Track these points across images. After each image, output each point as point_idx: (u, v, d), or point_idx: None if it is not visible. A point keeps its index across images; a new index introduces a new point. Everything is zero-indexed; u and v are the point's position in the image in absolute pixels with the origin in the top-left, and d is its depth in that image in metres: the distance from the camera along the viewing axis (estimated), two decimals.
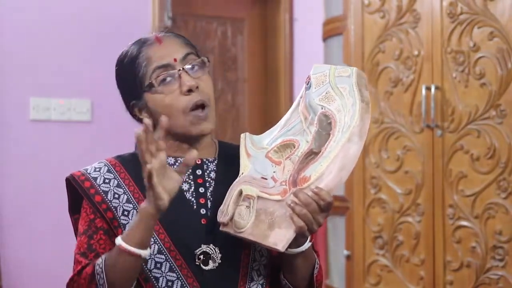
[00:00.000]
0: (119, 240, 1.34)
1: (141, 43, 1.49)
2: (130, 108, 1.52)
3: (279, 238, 1.35)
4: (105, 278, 1.35)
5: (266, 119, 4.57)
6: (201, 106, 1.46)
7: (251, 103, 4.60)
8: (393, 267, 2.94)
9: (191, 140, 1.49)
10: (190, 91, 1.44)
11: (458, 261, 2.69)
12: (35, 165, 3.60)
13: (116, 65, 1.53)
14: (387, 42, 2.95)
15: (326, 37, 3.50)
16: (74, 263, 1.44)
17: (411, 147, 2.86)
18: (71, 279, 1.43)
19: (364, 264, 3.03)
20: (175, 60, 1.46)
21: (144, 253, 1.34)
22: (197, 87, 1.45)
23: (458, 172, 2.68)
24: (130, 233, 1.34)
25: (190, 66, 1.46)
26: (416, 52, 2.84)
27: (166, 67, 1.45)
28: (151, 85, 1.45)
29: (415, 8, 2.84)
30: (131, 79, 1.47)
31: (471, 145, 2.65)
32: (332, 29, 3.43)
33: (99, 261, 1.37)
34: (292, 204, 1.34)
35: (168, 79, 1.45)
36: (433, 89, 2.74)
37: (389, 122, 2.93)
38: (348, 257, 3.15)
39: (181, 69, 1.45)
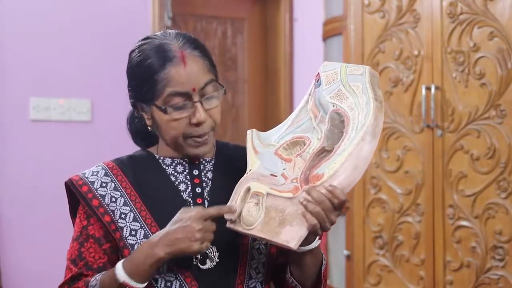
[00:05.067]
0: (124, 277, 1.35)
1: (165, 59, 1.43)
2: (133, 102, 1.51)
3: (290, 236, 1.33)
4: None
5: (266, 119, 4.57)
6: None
7: (251, 103, 4.60)
8: (393, 267, 2.93)
9: None
10: (198, 124, 1.44)
11: (458, 261, 2.69)
12: (35, 165, 3.61)
13: (130, 62, 1.49)
14: (387, 42, 2.95)
15: (326, 37, 3.50)
16: (66, 269, 1.46)
17: (411, 147, 2.86)
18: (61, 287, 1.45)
19: (364, 264, 3.03)
20: (193, 90, 1.43)
21: (143, 285, 1.37)
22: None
23: (458, 172, 2.68)
24: (137, 271, 1.35)
25: (206, 98, 1.45)
26: (416, 52, 2.83)
27: (183, 95, 1.43)
28: (162, 109, 1.43)
29: (415, 8, 2.84)
30: (144, 87, 1.45)
31: (471, 145, 2.64)
32: (332, 29, 3.43)
33: (93, 282, 1.38)
34: (304, 202, 1.33)
35: (181, 106, 1.43)
36: (433, 89, 2.74)
37: (389, 122, 2.93)
38: (348, 257, 3.15)
39: (197, 101, 1.44)
